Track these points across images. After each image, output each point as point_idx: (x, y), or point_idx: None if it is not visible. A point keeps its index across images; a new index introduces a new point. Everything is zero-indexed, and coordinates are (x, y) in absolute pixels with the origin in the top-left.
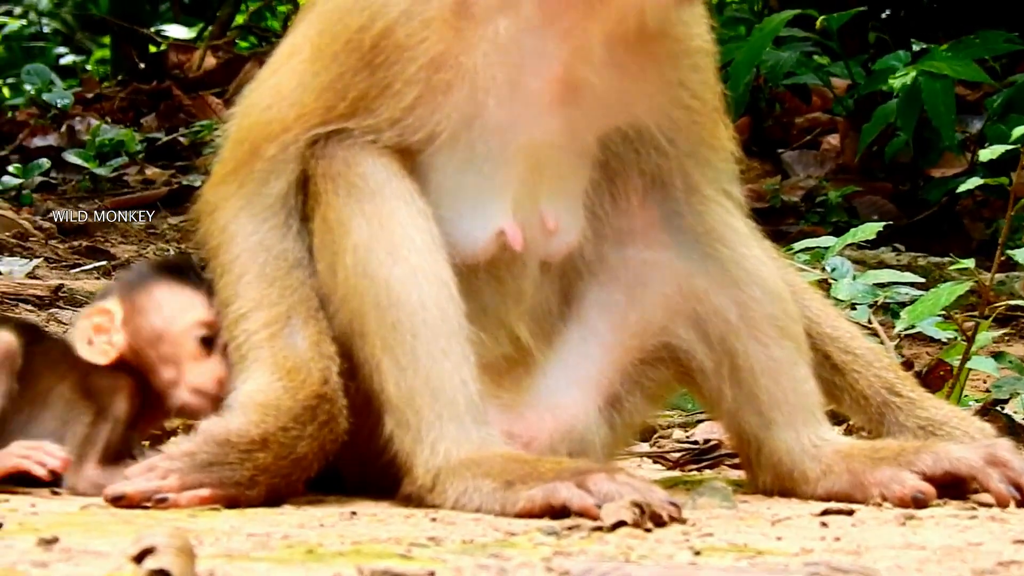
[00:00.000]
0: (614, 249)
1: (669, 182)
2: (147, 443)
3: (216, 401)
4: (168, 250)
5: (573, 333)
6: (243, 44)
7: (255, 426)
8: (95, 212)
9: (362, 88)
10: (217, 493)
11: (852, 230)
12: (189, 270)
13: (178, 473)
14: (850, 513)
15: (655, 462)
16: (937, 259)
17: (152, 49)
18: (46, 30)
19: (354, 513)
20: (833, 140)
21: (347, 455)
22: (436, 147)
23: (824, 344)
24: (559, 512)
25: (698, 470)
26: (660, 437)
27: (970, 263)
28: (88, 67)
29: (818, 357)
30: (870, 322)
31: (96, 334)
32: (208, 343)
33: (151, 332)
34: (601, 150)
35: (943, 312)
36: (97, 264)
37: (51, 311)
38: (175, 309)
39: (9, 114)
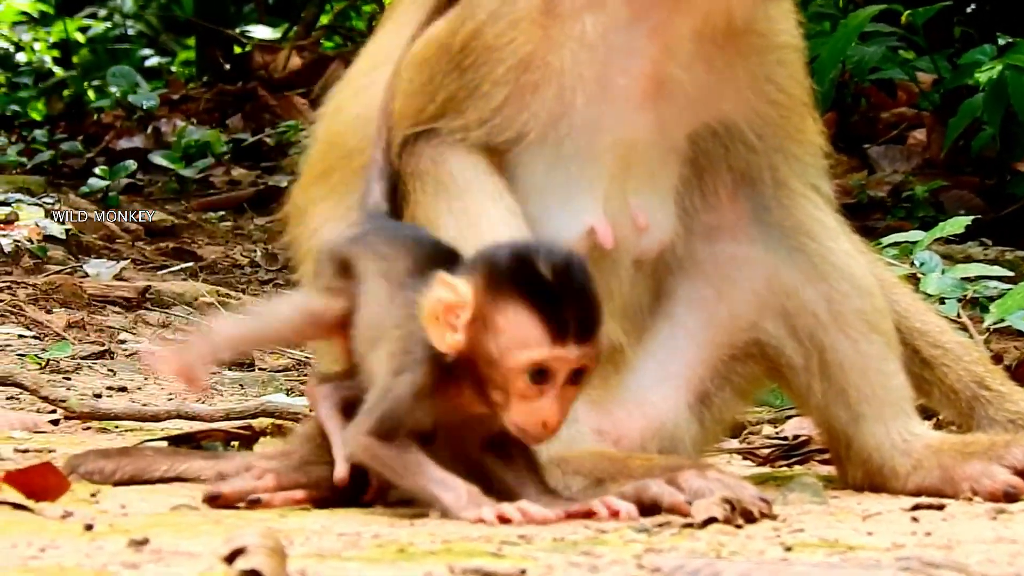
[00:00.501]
0: (704, 244)
1: (758, 177)
2: (236, 444)
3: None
4: (255, 251)
5: (663, 329)
6: (328, 44)
7: None
8: (181, 213)
9: (452, 89)
10: (312, 493)
11: (940, 224)
12: (559, 291)
13: (274, 473)
14: (941, 508)
15: (745, 458)
16: None
17: (237, 50)
18: (131, 32)
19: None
20: (919, 135)
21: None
22: (524, 146)
23: (913, 339)
24: (650, 509)
25: (788, 466)
26: (750, 433)
27: None
28: (173, 69)
29: (907, 351)
30: (959, 316)
31: (445, 315)
32: (542, 379)
33: (486, 351)
34: (690, 146)
35: None
36: (184, 265)
37: (139, 312)
38: (514, 341)
39: (95, 116)
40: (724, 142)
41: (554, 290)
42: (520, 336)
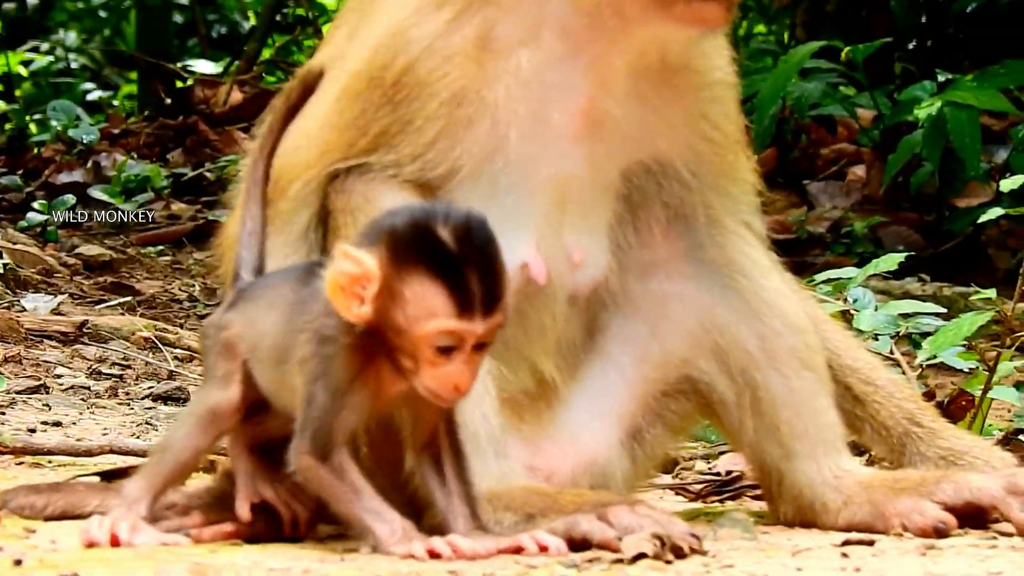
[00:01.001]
0: (637, 282)
1: (691, 214)
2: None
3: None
4: (194, 286)
5: (595, 365)
6: (270, 79)
7: None
8: (120, 248)
9: (384, 124)
10: (240, 527)
11: (873, 261)
12: (463, 261)
13: (199, 509)
14: (871, 543)
15: (677, 494)
16: (963, 289)
17: (179, 84)
18: (74, 66)
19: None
20: (859, 171)
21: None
22: (458, 181)
23: (845, 375)
24: (580, 544)
25: (720, 501)
26: (682, 469)
27: (992, 293)
28: (115, 103)
29: (839, 388)
30: (892, 352)
31: (351, 286)
32: (449, 351)
33: (393, 322)
34: (624, 183)
35: (965, 342)
36: (122, 300)
37: (75, 347)
38: (421, 312)
39: (35, 150)
40: (658, 179)
41: (457, 262)
42: (426, 309)
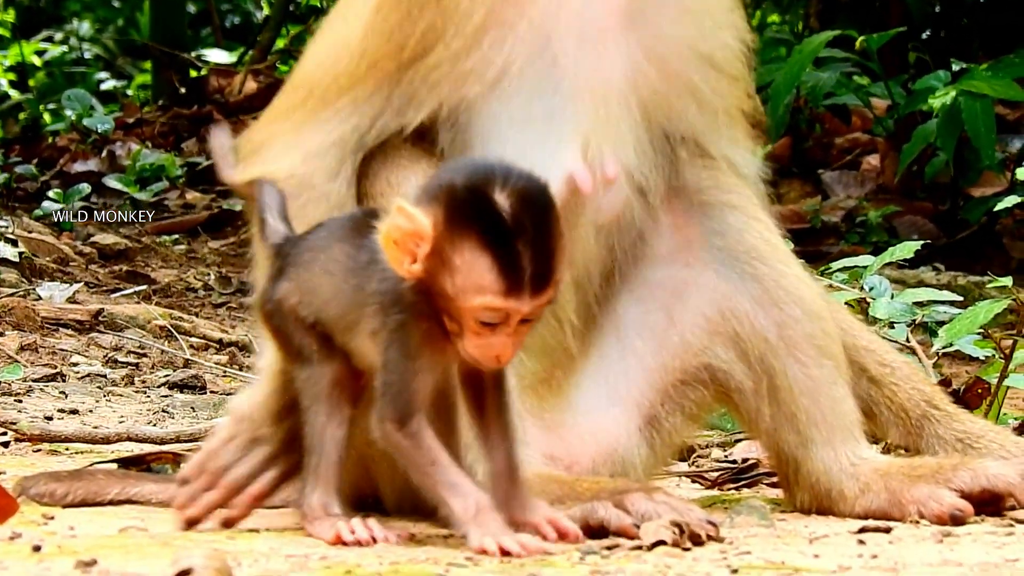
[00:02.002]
0: (655, 269)
1: (708, 200)
2: None
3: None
4: (209, 274)
5: (613, 351)
6: (284, 68)
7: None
8: (135, 237)
9: (429, 19)
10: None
11: (890, 249)
12: (518, 234)
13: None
14: (887, 531)
15: (693, 481)
16: (977, 278)
17: (193, 74)
18: (87, 56)
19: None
20: (873, 160)
21: (385, 475)
22: (505, 84)
23: (861, 356)
24: (597, 532)
25: (736, 489)
26: (699, 456)
27: (1008, 281)
28: (129, 92)
29: (855, 369)
30: (908, 340)
31: (404, 242)
32: (494, 324)
33: (442, 286)
34: (649, 112)
35: (981, 330)
36: (137, 288)
37: (91, 335)
38: (469, 284)
39: (50, 139)
40: (673, 147)
41: (512, 235)
42: (474, 282)
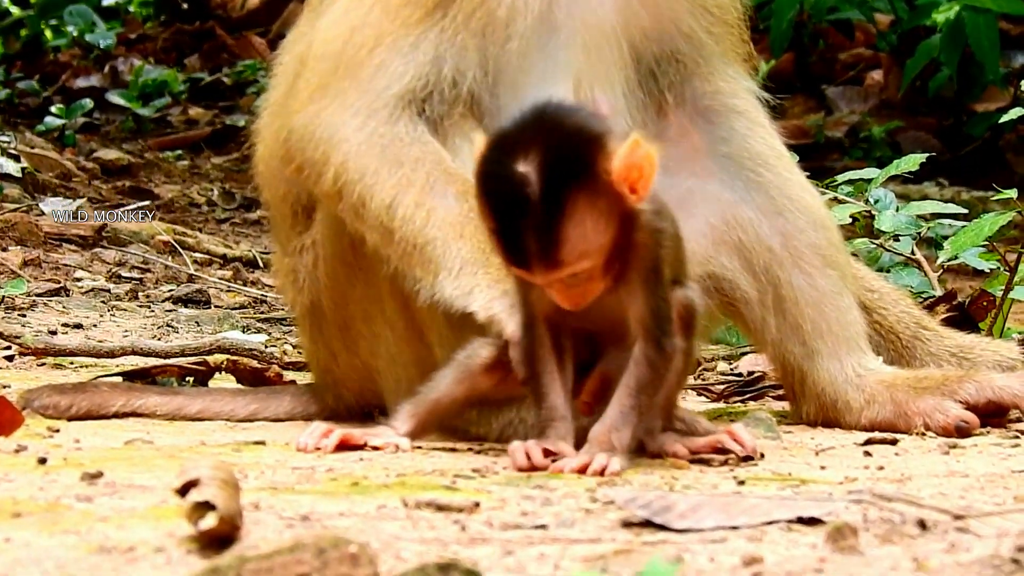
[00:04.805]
0: (660, 177)
1: (712, 106)
2: (191, 379)
3: None
4: (212, 190)
5: None
6: None
7: None
8: (138, 152)
9: None
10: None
11: (895, 161)
12: (519, 216)
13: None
14: (894, 442)
15: (699, 394)
16: (980, 193)
17: None
18: None
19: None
20: (877, 76)
21: (390, 385)
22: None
23: None
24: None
25: (742, 402)
26: (704, 370)
27: (1012, 193)
28: (131, 8)
29: None
30: (913, 253)
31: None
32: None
33: None
34: (642, 51)
35: (986, 243)
36: (140, 204)
37: (94, 251)
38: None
39: (52, 55)
40: (675, 59)
41: (511, 217)
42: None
